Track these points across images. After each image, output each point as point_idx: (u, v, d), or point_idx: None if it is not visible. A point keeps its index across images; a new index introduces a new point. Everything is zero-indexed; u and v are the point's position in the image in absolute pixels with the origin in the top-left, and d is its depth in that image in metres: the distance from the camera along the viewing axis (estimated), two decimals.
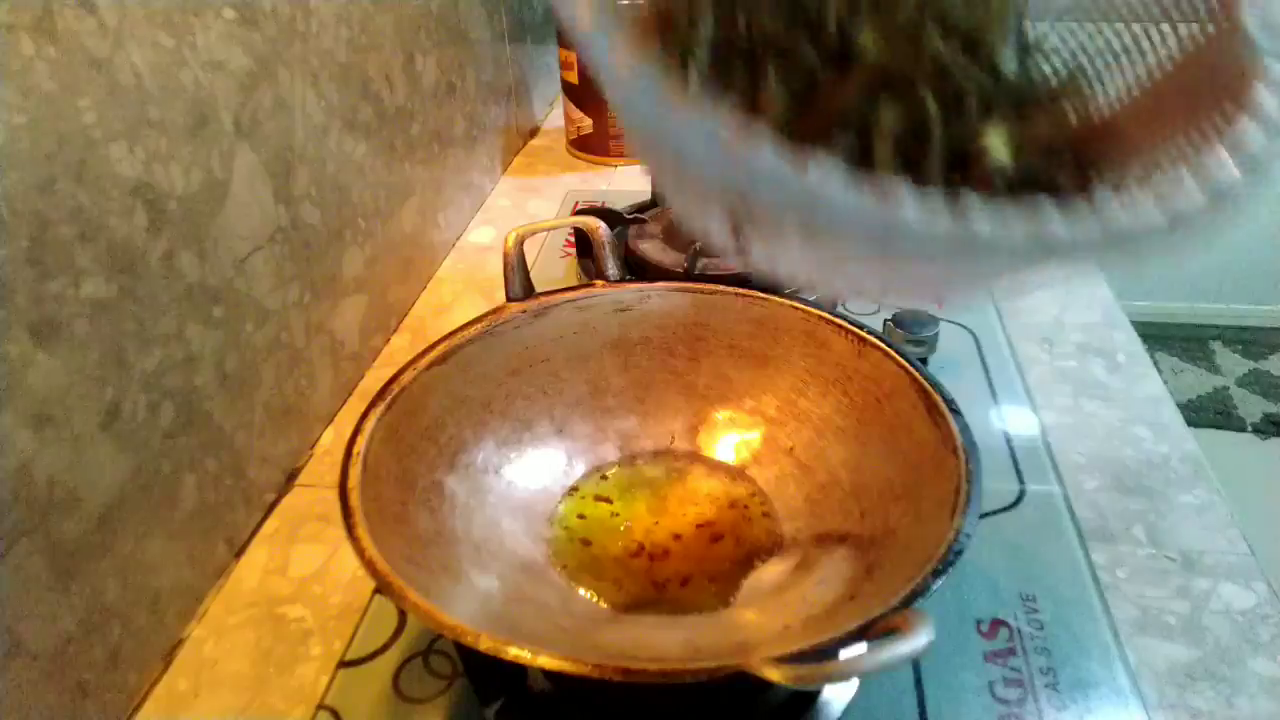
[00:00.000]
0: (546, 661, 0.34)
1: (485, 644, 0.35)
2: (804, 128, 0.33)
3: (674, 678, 0.33)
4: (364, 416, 0.46)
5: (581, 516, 0.53)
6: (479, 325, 0.53)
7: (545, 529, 0.52)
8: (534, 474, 0.54)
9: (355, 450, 0.44)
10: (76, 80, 0.41)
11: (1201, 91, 0.30)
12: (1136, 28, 0.34)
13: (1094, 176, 0.34)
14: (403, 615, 0.52)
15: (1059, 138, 0.34)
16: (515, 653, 0.34)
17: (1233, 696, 0.46)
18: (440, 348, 0.51)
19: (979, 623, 0.50)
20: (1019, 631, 0.49)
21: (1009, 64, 0.34)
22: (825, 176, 0.23)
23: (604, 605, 0.47)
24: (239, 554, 0.56)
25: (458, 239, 0.94)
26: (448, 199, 0.90)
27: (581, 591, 0.48)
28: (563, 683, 0.42)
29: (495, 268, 0.84)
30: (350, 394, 0.70)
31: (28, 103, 0.39)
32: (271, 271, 0.58)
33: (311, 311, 0.64)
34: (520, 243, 0.56)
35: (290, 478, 0.62)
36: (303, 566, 0.55)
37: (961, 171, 0.34)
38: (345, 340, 0.69)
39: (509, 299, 0.54)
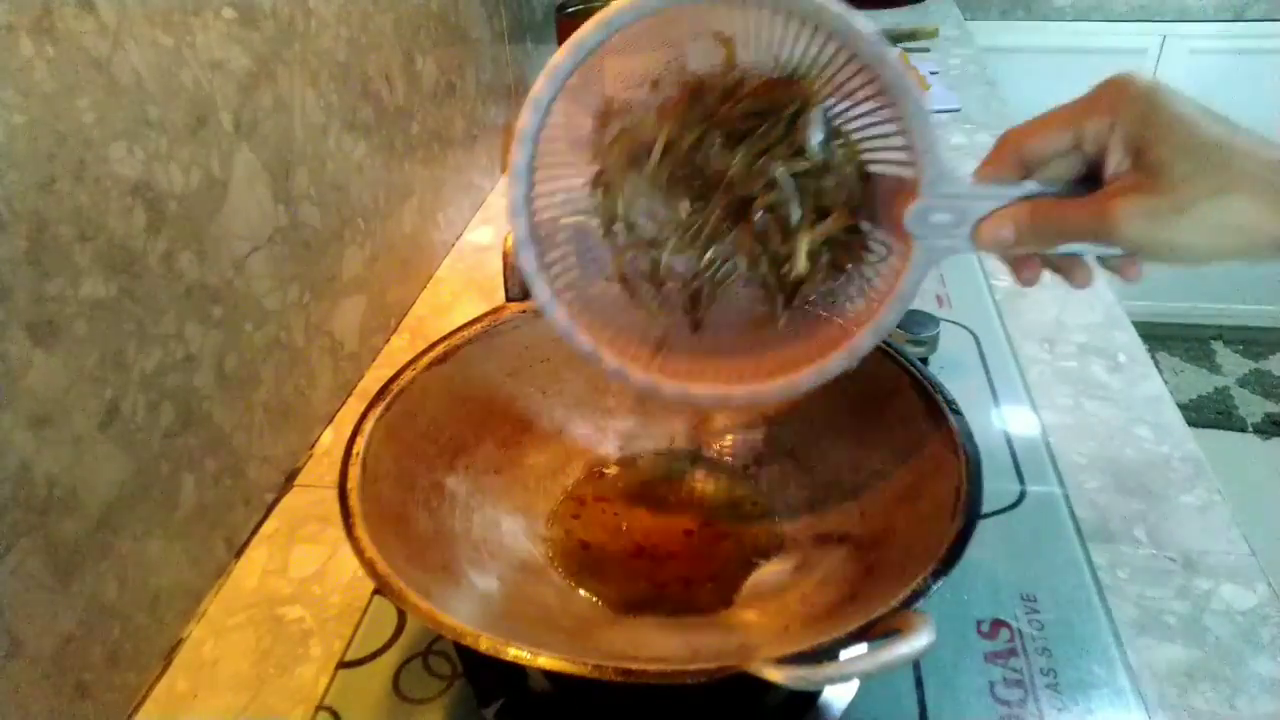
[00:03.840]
0: (546, 662, 0.34)
1: (485, 644, 0.35)
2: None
3: (673, 678, 0.33)
4: (363, 417, 0.46)
5: (578, 517, 0.53)
6: (478, 325, 0.53)
7: (545, 529, 0.52)
8: (534, 474, 0.54)
9: (355, 451, 0.44)
10: (76, 80, 0.41)
11: None
12: None
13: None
14: (402, 616, 0.52)
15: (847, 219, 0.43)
16: (515, 653, 0.34)
17: (1233, 697, 0.46)
18: (440, 348, 0.51)
19: (980, 623, 0.50)
20: (1020, 632, 0.49)
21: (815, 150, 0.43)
22: None
23: (604, 606, 0.47)
24: (238, 554, 0.56)
25: (457, 239, 0.94)
26: (447, 199, 0.90)
27: (581, 592, 0.48)
28: (562, 683, 0.42)
29: (495, 268, 0.83)
30: (349, 394, 0.70)
31: (27, 102, 0.39)
32: (271, 271, 0.58)
33: (311, 311, 0.64)
34: None
35: (289, 478, 0.62)
36: (302, 567, 0.55)
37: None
38: (344, 340, 0.69)
39: (509, 299, 0.54)
